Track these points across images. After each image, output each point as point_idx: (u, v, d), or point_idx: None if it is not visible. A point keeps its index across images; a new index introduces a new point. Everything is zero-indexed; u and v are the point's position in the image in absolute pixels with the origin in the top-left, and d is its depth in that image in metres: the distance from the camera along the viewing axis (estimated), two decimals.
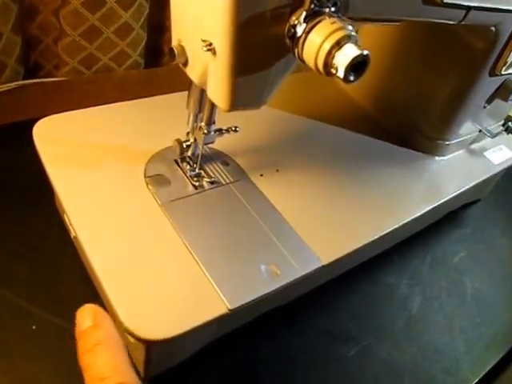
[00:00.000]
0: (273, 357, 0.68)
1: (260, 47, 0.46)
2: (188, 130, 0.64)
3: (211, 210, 0.63)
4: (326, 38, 0.41)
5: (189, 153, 0.66)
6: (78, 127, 0.68)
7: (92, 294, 0.65)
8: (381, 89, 0.89)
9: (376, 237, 0.67)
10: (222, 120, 0.63)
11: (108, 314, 0.40)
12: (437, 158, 0.85)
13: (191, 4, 0.48)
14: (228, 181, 0.67)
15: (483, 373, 0.75)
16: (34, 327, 0.62)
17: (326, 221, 0.67)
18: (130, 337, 0.50)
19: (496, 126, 0.90)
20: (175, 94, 0.77)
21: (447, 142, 0.83)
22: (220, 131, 0.64)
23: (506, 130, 0.90)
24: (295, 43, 0.44)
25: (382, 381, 0.70)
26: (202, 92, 0.58)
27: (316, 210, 0.68)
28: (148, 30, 1.07)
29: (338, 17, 0.43)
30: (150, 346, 0.54)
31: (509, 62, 0.74)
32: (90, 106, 0.71)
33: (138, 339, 0.49)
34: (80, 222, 0.57)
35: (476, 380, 0.74)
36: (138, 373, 0.61)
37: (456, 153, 0.87)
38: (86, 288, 0.66)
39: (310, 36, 0.42)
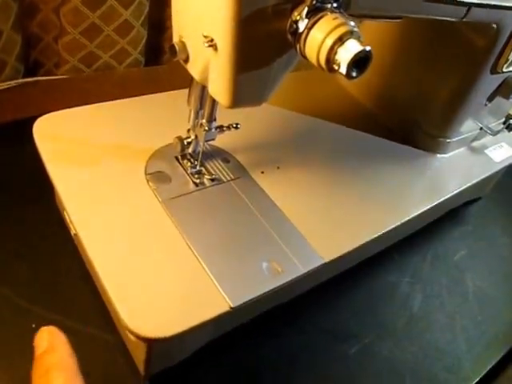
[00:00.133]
0: (274, 355, 0.68)
1: (262, 43, 0.46)
2: (189, 127, 0.64)
3: (212, 207, 0.63)
4: (328, 34, 0.41)
5: (189, 150, 0.66)
6: (78, 125, 0.68)
7: (92, 291, 0.65)
8: (381, 86, 0.89)
9: (377, 234, 0.67)
10: (222, 117, 0.63)
11: (64, 337, 0.40)
12: (438, 155, 0.85)
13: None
14: (229, 178, 0.67)
15: (485, 371, 0.75)
16: (33, 326, 0.62)
17: (327, 218, 0.66)
18: (130, 335, 0.49)
19: (497, 123, 0.90)
20: (176, 91, 0.77)
21: (448, 140, 0.83)
22: (221, 128, 0.64)
23: (507, 128, 0.90)
24: (297, 39, 0.43)
25: (383, 379, 0.70)
26: (203, 89, 0.58)
27: (317, 207, 0.68)
28: (148, 27, 1.06)
29: (340, 12, 0.42)
30: (151, 344, 0.54)
31: (510, 60, 0.74)
32: (91, 103, 0.71)
33: (139, 337, 0.49)
34: (80, 219, 0.57)
35: (477, 378, 0.74)
36: (138, 371, 0.61)
37: (457, 150, 0.87)
38: (85, 286, 0.66)
39: (312, 32, 0.42)
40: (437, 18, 0.60)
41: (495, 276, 0.90)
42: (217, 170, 0.67)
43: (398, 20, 0.55)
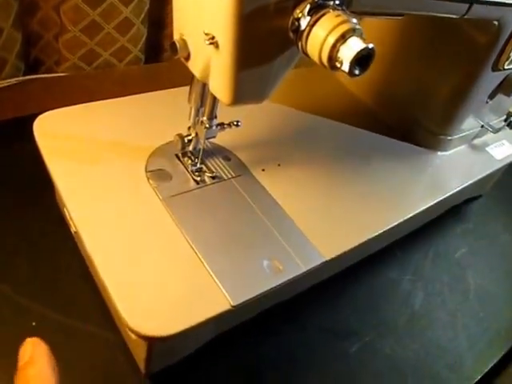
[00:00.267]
0: (274, 353, 0.68)
1: (263, 40, 0.46)
2: (189, 125, 0.64)
3: (213, 205, 0.63)
4: (331, 32, 0.40)
5: (190, 147, 0.66)
6: (78, 122, 0.68)
7: (92, 289, 0.65)
8: (382, 84, 0.89)
9: (378, 232, 0.67)
10: (222, 115, 0.63)
11: (46, 349, 0.40)
12: (439, 153, 0.85)
13: None
14: (230, 176, 0.67)
15: (487, 369, 0.75)
16: (33, 324, 0.62)
17: (328, 216, 0.66)
18: (131, 333, 0.49)
19: (498, 121, 0.90)
20: (176, 88, 0.76)
21: (449, 137, 0.83)
22: (222, 125, 0.63)
23: (508, 125, 0.90)
24: (299, 37, 0.43)
25: (384, 377, 0.70)
26: (204, 86, 0.58)
27: (318, 204, 0.67)
28: (148, 25, 1.06)
29: (342, 10, 0.42)
30: (152, 342, 0.54)
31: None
32: (91, 101, 0.71)
33: (140, 336, 0.49)
34: (81, 216, 0.57)
35: (479, 376, 0.74)
36: (138, 369, 0.61)
37: (458, 148, 0.87)
38: (86, 284, 0.66)
39: (315, 29, 0.42)
40: (438, 15, 0.60)
41: (496, 273, 0.90)
42: (217, 168, 0.67)
43: (399, 17, 0.55)
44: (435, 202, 0.75)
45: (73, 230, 0.59)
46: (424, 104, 0.83)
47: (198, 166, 0.66)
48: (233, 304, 0.52)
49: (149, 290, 0.52)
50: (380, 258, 0.83)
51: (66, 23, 0.94)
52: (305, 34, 0.43)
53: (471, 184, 0.82)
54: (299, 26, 0.43)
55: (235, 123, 0.65)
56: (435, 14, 0.59)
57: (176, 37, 0.53)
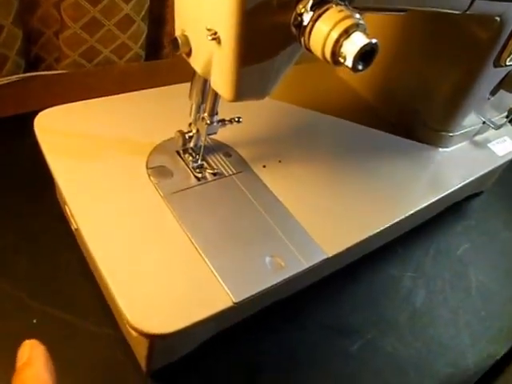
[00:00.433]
0: (274, 350, 0.68)
1: (266, 36, 0.45)
2: (190, 121, 0.64)
3: (214, 201, 0.63)
4: (334, 27, 0.40)
5: (191, 144, 0.66)
6: (79, 119, 0.67)
7: (93, 286, 0.65)
8: (383, 80, 0.89)
9: (380, 229, 0.66)
10: (222, 111, 0.62)
11: (44, 349, 0.40)
12: (440, 149, 0.84)
13: None
14: (231, 172, 0.67)
15: (489, 366, 0.75)
16: (34, 321, 0.62)
17: (329, 212, 0.66)
18: (132, 331, 0.49)
19: (500, 117, 0.90)
20: (177, 85, 0.76)
21: (451, 134, 0.83)
22: (223, 122, 0.63)
23: (510, 122, 0.90)
24: (302, 32, 0.43)
25: (386, 375, 0.70)
26: (205, 82, 0.58)
27: (320, 201, 0.67)
28: (148, 22, 1.06)
29: (345, 5, 0.42)
30: (153, 340, 0.54)
31: None
32: (91, 98, 0.71)
33: (141, 333, 0.48)
34: (82, 213, 0.56)
35: (482, 374, 0.74)
36: (139, 367, 0.61)
37: (460, 144, 0.87)
38: (86, 281, 0.66)
39: (317, 24, 0.41)
40: (440, 10, 0.60)
41: (498, 270, 0.90)
42: (218, 164, 0.67)
43: (402, 13, 0.55)
44: (437, 198, 0.75)
45: (73, 226, 0.59)
46: (425, 100, 0.83)
47: (199, 162, 0.66)
48: (235, 301, 0.52)
49: (150, 287, 0.52)
50: (381, 255, 0.83)
51: (67, 20, 0.94)
52: (308, 29, 0.42)
53: (473, 180, 0.81)
54: (302, 21, 0.43)
55: (236, 119, 0.65)
56: (437, 10, 0.59)
57: (178, 33, 0.52)
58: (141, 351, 0.58)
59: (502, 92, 0.81)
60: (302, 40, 0.44)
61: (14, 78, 0.93)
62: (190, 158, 0.66)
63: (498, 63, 0.74)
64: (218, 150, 0.69)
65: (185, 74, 0.59)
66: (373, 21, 0.81)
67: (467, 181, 0.80)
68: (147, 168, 0.63)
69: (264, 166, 0.69)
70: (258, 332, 0.69)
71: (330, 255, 0.60)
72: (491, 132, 0.91)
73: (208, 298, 0.52)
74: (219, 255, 0.56)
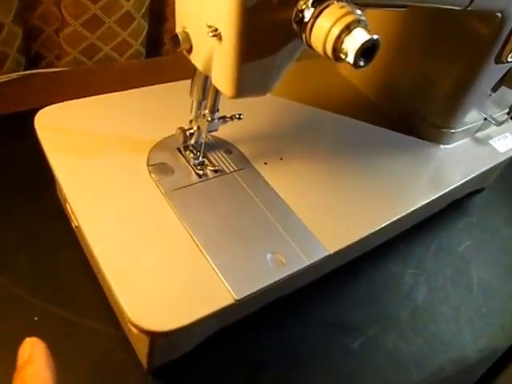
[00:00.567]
0: (276, 347, 0.68)
1: (267, 32, 0.45)
2: (191, 118, 0.64)
3: (215, 198, 0.63)
4: (335, 23, 0.40)
5: (192, 141, 0.66)
6: (79, 116, 0.67)
7: (93, 284, 0.65)
8: (384, 76, 0.89)
9: (381, 225, 0.66)
10: (223, 108, 0.62)
11: (44, 348, 0.40)
12: (442, 146, 0.84)
13: None
14: (232, 169, 0.66)
15: (491, 363, 0.75)
16: (35, 318, 0.62)
17: (331, 209, 0.66)
18: (133, 328, 0.49)
19: (501, 113, 0.89)
20: (178, 82, 0.76)
21: (452, 130, 0.83)
22: (224, 119, 0.63)
23: (511, 118, 0.90)
24: (303, 28, 0.43)
25: (388, 372, 0.70)
26: (206, 79, 0.58)
27: (321, 198, 0.67)
28: (148, 19, 1.06)
29: (346, 1, 0.42)
30: (154, 337, 0.54)
31: None
32: (92, 95, 0.71)
33: (142, 331, 0.48)
34: (82, 211, 0.56)
35: (483, 370, 0.74)
36: (140, 364, 0.60)
37: (461, 141, 0.87)
38: (87, 278, 0.66)
39: (319, 21, 0.41)
40: (442, 6, 0.60)
41: (499, 267, 0.90)
42: (219, 162, 0.67)
43: (403, 9, 0.55)
44: (438, 195, 0.74)
45: (74, 224, 0.59)
46: (427, 97, 0.83)
47: (200, 159, 0.66)
48: (236, 298, 0.52)
49: (151, 284, 0.52)
50: (382, 252, 0.83)
51: (67, 17, 0.94)
52: (309, 25, 0.42)
53: (474, 177, 0.81)
54: (303, 17, 0.43)
55: (237, 116, 0.65)
56: (438, 6, 0.59)
57: (178, 29, 0.52)
58: (142, 349, 0.58)
59: (503, 88, 0.81)
60: (303, 36, 0.43)
61: (14, 75, 0.93)
62: (191, 154, 0.66)
63: (499, 59, 0.74)
64: (218, 147, 0.69)
65: (185, 70, 0.59)
66: (374, 17, 0.81)
67: (469, 177, 0.80)
68: (148, 165, 0.63)
69: (265, 163, 0.69)
70: (259, 329, 0.69)
71: (332, 252, 0.60)
72: (493, 128, 0.91)
73: (209, 295, 0.52)
74: (220, 252, 0.56)
